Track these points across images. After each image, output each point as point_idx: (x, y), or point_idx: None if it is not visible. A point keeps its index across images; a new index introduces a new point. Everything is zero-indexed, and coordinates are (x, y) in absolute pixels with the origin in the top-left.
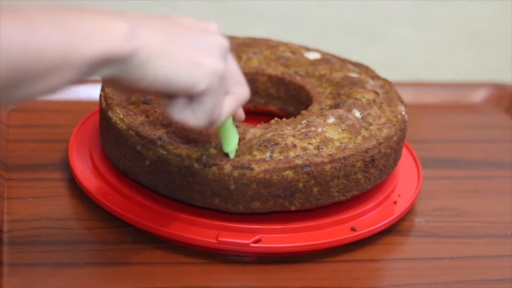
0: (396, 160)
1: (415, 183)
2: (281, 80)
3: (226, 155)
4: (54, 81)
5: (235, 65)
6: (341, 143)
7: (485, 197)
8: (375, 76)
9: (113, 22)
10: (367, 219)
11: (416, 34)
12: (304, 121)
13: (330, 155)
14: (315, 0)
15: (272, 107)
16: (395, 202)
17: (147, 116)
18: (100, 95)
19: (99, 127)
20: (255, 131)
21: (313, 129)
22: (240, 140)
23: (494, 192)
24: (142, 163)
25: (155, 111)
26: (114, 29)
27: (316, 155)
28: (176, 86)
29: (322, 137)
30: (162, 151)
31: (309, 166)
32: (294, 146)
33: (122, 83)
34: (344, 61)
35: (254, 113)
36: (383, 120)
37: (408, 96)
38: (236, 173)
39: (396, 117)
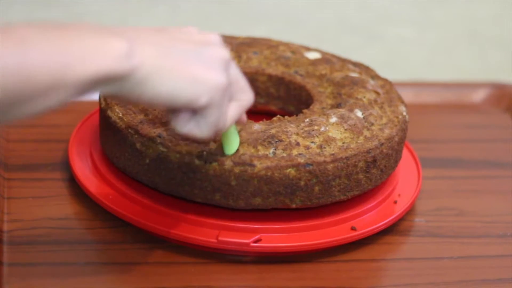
0: (397, 161)
1: (415, 183)
2: (281, 80)
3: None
4: (50, 100)
5: (237, 73)
6: (343, 143)
7: (485, 197)
8: (375, 76)
9: (110, 40)
10: (367, 218)
11: (416, 34)
12: (307, 120)
13: (333, 154)
14: (315, 0)
15: (272, 107)
16: (395, 202)
17: (146, 115)
18: (100, 95)
19: (99, 127)
20: (259, 126)
21: (316, 127)
22: (242, 134)
23: (494, 192)
24: (142, 161)
25: (154, 109)
26: (111, 48)
27: (319, 154)
28: (178, 102)
29: (325, 136)
30: (162, 149)
31: (312, 165)
32: (298, 144)
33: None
34: (344, 61)
35: (254, 112)
36: (384, 120)
37: (408, 96)
38: (237, 170)
39: (397, 117)
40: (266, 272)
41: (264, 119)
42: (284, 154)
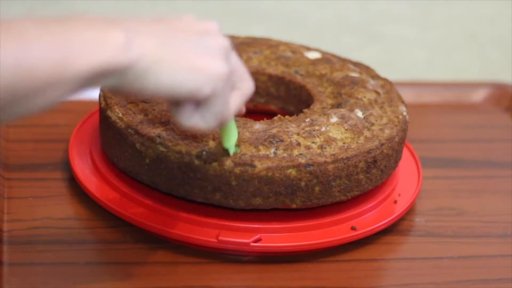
0: (397, 161)
1: (415, 183)
2: (282, 80)
3: (226, 150)
4: (51, 96)
5: (238, 61)
6: (344, 143)
7: (485, 197)
8: (375, 76)
9: (109, 31)
10: (367, 218)
11: (416, 34)
12: (308, 119)
13: (333, 155)
14: (315, 0)
15: (273, 107)
16: (395, 202)
17: (145, 115)
18: (99, 95)
19: (99, 127)
20: (260, 125)
21: (317, 127)
22: (244, 133)
23: (494, 192)
24: (142, 161)
25: (154, 110)
26: (110, 39)
27: (320, 154)
28: (181, 93)
29: (326, 136)
30: (161, 149)
31: (312, 165)
32: (298, 144)
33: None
34: (344, 61)
35: (254, 112)
36: (384, 120)
37: (408, 96)
38: (237, 170)
39: (397, 117)
40: (266, 272)
41: (265, 119)
42: (285, 155)
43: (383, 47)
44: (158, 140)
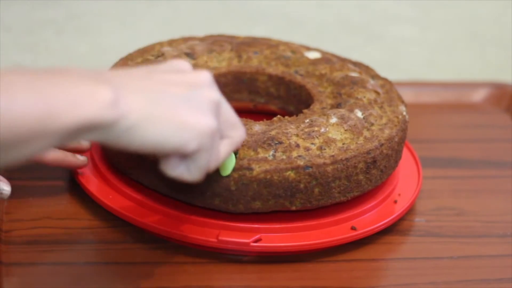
0: (397, 161)
1: (415, 183)
2: (281, 80)
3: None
4: (34, 147)
5: (229, 111)
6: (343, 144)
7: (485, 197)
8: (375, 76)
9: (96, 88)
10: (367, 218)
11: (416, 33)
12: (307, 120)
13: (332, 156)
14: (315, 0)
15: (272, 107)
16: (395, 202)
17: None
18: None
19: None
20: (259, 127)
21: (316, 128)
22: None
23: (494, 192)
24: (142, 163)
25: None
26: (97, 96)
27: (318, 156)
28: (166, 148)
29: (325, 137)
30: None
31: (311, 167)
32: (297, 146)
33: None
34: (344, 61)
35: (254, 112)
36: (384, 120)
37: (408, 95)
38: (236, 174)
39: (397, 117)
40: (266, 272)
41: (264, 119)
42: (284, 157)
43: (383, 47)
44: None
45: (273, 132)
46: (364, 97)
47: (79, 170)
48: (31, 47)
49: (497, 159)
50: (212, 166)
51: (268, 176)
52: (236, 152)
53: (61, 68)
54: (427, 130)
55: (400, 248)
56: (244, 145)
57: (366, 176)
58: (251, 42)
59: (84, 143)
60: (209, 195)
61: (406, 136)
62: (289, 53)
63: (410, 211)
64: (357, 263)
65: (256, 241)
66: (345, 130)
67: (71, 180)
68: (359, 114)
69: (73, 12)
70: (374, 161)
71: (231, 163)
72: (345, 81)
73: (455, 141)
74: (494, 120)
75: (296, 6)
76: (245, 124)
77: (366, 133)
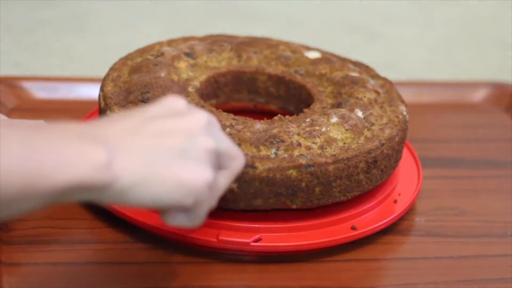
0: (397, 161)
1: (415, 182)
2: (281, 79)
3: None
4: (25, 206)
5: (227, 144)
6: (344, 144)
7: (485, 197)
8: (375, 76)
9: (90, 148)
10: (367, 218)
11: (416, 33)
12: (308, 120)
13: (334, 155)
14: (315, 0)
15: (272, 106)
16: (395, 201)
17: None
18: (99, 95)
19: None
20: (261, 125)
21: (317, 128)
22: (246, 133)
23: (494, 192)
24: None
25: None
26: (90, 157)
27: (320, 155)
28: (163, 206)
29: (326, 136)
30: None
31: (313, 166)
32: (299, 144)
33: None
34: (344, 60)
35: (254, 112)
36: (384, 120)
37: (408, 95)
38: None
39: (397, 117)
40: (266, 271)
41: (265, 118)
42: (286, 155)
43: (383, 47)
44: None
45: (274, 131)
46: (364, 97)
47: None
48: (31, 47)
49: (497, 159)
50: (213, 205)
51: (271, 175)
52: None
53: (54, 125)
54: (427, 130)
55: (400, 248)
56: (247, 141)
57: (366, 176)
58: (251, 42)
59: None
60: None
61: (406, 136)
62: (289, 53)
63: (410, 211)
64: (357, 263)
65: (256, 241)
66: (346, 130)
67: None
68: (359, 113)
69: (73, 12)
70: (375, 161)
71: None
72: (345, 80)
73: (455, 141)
74: (494, 120)
75: (296, 6)
76: (246, 123)
77: (366, 133)
